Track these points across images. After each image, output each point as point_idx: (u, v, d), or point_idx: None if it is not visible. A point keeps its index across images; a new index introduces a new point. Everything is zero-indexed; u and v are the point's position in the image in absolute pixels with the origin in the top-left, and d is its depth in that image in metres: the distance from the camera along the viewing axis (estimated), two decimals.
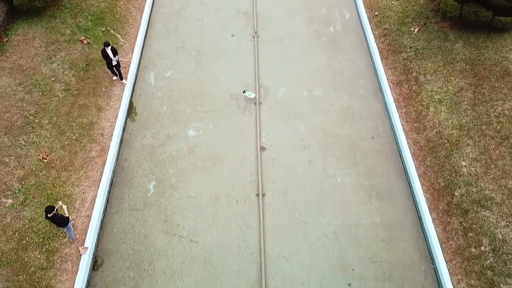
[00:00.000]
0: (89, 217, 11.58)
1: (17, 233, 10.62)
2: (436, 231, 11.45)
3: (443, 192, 12.00)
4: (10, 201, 11.04)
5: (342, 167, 13.19)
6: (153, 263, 11.14)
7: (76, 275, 10.53)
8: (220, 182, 12.81)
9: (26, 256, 10.38)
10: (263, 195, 12.52)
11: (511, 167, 11.55)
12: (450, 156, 12.47)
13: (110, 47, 13.39)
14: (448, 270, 10.75)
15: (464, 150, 12.37)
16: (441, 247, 11.14)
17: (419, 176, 12.57)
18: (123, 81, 14.75)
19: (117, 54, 13.77)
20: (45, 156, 12.13)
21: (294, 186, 12.73)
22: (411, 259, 11.27)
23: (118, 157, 13.26)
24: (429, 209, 11.86)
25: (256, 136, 13.90)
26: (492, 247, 10.54)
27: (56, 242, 10.89)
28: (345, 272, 11.05)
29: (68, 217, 10.19)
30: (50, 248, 10.71)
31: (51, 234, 10.94)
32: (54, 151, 12.39)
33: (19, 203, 11.09)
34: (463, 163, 12.14)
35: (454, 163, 12.27)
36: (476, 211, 11.21)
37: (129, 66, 15.52)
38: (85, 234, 11.24)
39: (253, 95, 14.30)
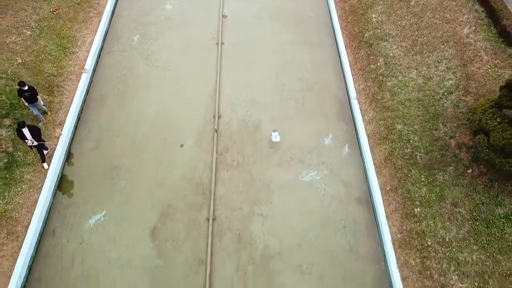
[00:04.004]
0: (88, 51, 15.33)
1: (35, 52, 14.37)
2: (348, 59, 15.25)
3: (357, 35, 15.80)
4: (29, 32, 14.76)
5: (286, 29, 16.94)
6: (136, 82, 14.90)
7: (78, 83, 14.29)
8: (189, 37, 16.55)
9: (42, 66, 14.13)
10: (222, 43, 16.28)
11: (406, 13, 15.30)
12: (365, 13, 16.24)
13: (26, 127, 10.96)
14: (353, 79, 14.56)
15: (376, 8, 16.13)
16: (351, 68, 14.94)
17: (342, 28, 16.36)
18: (44, 165, 11.96)
19: (38, 134, 11.37)
20: (55, 10, 15.84)
21: (247, 39, 16.49)
22: (330, 79, 15.06)
23: (111, 19, 16.99)
24: (346, 47, 15.66)
25: (219, 8, 17.63)
26: (385, 62, 14.33)
27: (65, 62, 14.65)
28: (279, 86, 14.82)
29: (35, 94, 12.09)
30: (60, 64, 14.46)
31: (62, 55, 14.69)
32: (61, 8, 16.11)
33: (35, 35, 14.81)
34: (373, 16, 15.90)
35: (367, 17, 16.04)
36: (378, 43, 14.98)
37: None
38: (85, 60, 14.99)
39: (278, 138, 12.82)
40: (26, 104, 12.32)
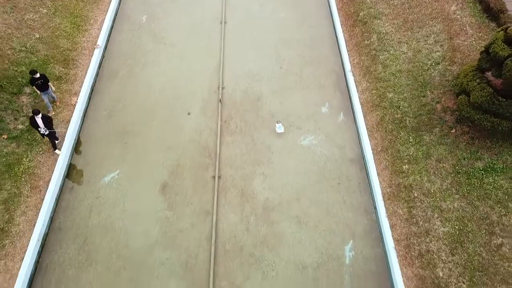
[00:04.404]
0: (99, 29, 16.33)
1: (51, 28, 15.36)
2: (344, 36, 16.25)
3: (352, 15, 16.79)
4: (45, 10, 15.76)
5: (285, 8, 17.94)
6: (145, 57, 15.90)
7: (91, 57, 15.29)
8: (194, 16, 17.55)
9: (57, 42, 15.12)
10: (225, 22, 17.28)
11: None
12: None
13: (40, 115, 11.42)
14: (348, 54, 15.56)
15: None
16: (346, 44, 15.94)
17: (338, 9, 17.36)
18: (56, 151, 12.51)
19: (50, 123, 11.76)
20: None
21: (249, 18, 17.49)
22: (326, 55, 16.06)
23: (120, 0, 17.99)
24: (342, 25, 16.66)
25: None
26: (378, 38, 15.32)
27: (79, 38, 15.65)
28: (279, 61, 15.83)
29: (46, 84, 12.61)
30: (74, 40, 15.45)
31: (76, 32, 15.68)
32: None
33: (51, 13, 15.82)
34: None
35: None
36: (372, 21, 15.97)
37: None
38: (97, 37, 15.99)
39: (282, 129, 13.51)
40: (38, 92, 12.68)
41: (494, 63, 10.40)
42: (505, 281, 9.24)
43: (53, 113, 13.25)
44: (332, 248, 11.04)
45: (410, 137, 12.39)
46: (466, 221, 10.34)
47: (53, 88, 13.04)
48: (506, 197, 10.26)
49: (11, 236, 10.73)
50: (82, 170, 12.59)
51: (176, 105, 14.33)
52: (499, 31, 10.40)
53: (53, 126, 12.03)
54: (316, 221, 11.55)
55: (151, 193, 12.11)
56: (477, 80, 10.78)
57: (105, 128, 13.63)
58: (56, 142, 12.50)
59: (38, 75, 12.29)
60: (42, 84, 12.44)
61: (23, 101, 13.13)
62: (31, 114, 11.36)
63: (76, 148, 13.09)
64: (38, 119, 11.50)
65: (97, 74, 15.15)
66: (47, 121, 11.72)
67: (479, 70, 11.15)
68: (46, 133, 11.80)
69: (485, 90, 10.42)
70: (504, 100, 10.12)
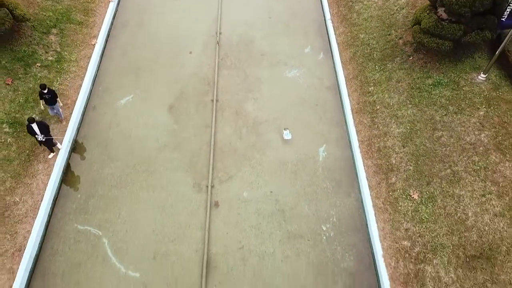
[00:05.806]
0: None
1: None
2: (329, 9, 18.75)
3: None
4: None
5: None
6: (152, 10, 18.34)
7: (107, 9, 17.73)
8: None
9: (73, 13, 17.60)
10: None
11: None
12: None
13: (35, 123, 11.56)
14: (329, 6, 18.00)
15: None
16: (330, 13, 18.36)
17: None
18: (50, 155, 12.68)
19: (47, 130, 11.92)
20: None
21: None
22: (309, 7, 18.52)
23: None
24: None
25: None
26: (361, 7, 17.79)
27: (92, 3, 18.14)
28: (270, 12, 18.28)
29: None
30: (87, 7, 17.94)
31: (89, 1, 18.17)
32: None
33: None
34: None
35: None
36: None
37: None
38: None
39: (289, 136, 13.70)
40: (44, 105, 13.01)
41: None
42: (442, 161, 11.69)
43: (64, 123, 13.56)
44: (308, 150, 13.49)
45: (376, 66, 14.84)
46: (415, 123, 12.79)
47: (61, 104, 13.38)
48: (448, 102, 12.70)
49: None
50: (102, 95, 15.04)
51: (179, 46, 16.78)
52: None
53: (50, 133, 12.19)
54: (296, 132, 13.99)
55: (160, 112, 14.56)
56: (427, 12, 13.22)
57: (120, 64, 16.08)
58: (56, 145, 12.76)
59: (46, 90, 12.48)
60: (50, 98, 12.73)
61: (51, 39, 15.57)
62: (27, 123, 11.70)
63: (96, 78, 15.53)
64: (34, 126, 11.63)
65: (112, 23, 17.60)
66: (44, 128, 11.86)
67: (432, 6, 13.57)
68: (43, 140, 12.01)
69: (432, 18, 12.85)
70: (446, 23, 12.56)
